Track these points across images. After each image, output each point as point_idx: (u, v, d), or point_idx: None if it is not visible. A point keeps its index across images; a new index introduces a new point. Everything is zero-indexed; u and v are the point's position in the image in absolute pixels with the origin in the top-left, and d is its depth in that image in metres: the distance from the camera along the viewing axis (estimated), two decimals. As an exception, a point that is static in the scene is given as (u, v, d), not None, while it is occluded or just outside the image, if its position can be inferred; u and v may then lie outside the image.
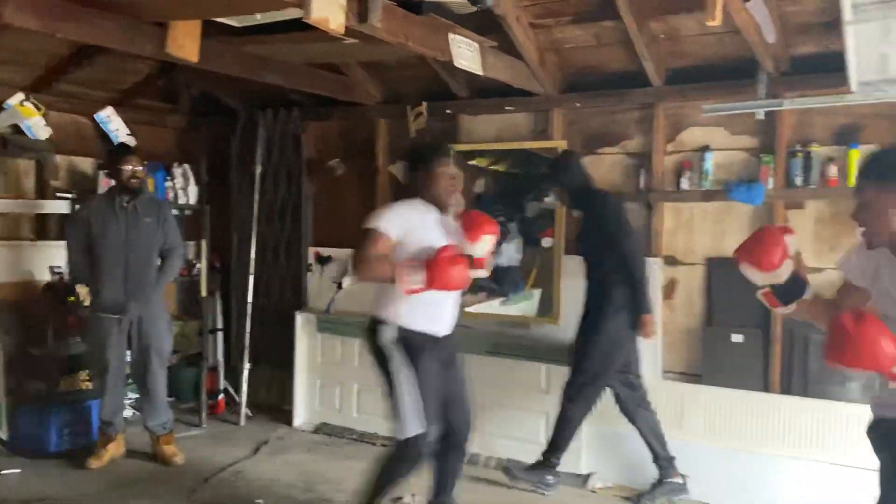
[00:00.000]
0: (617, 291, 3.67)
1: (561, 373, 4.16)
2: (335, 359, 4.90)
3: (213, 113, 5.57)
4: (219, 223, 5.43)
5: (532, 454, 4.26)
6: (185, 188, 5.36)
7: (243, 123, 5.36)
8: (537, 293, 4.50)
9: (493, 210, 4.59)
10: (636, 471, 4.02)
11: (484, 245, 3.08)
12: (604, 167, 4.32)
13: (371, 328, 2.99)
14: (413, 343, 2.92)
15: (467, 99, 4.67)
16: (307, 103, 5.19)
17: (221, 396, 5.26)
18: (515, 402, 4.36)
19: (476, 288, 4.63)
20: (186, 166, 5.38)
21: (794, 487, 3.67)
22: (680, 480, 3.78)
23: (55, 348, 4.41)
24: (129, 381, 4.47)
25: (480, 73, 3.72)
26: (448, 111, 4.70)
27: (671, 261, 4.15)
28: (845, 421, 3.59)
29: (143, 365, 4.21)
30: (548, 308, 4.41)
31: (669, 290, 4.16)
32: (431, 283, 2.74)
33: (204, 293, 5.23)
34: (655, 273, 4.08)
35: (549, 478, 3.90)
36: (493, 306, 4.62)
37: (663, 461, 3.78)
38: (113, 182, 4.21)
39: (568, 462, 4.14)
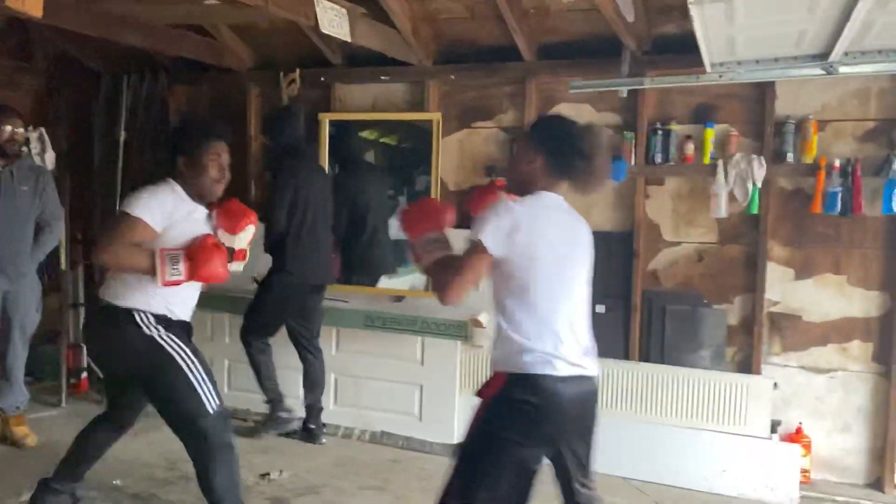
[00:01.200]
0: (281, 254, 4.02)
1: (436, 344, 4.22)
2: (205, 334, 4.74)
3: (73, 75, 5.22)
4: (80, 192, 5.13)
5: (407, 426, 4.31)
6: (41, 154, 5.00)
7: (107, 87, 5.07)
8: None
9: (383, 182, 4.59)
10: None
11: (245, 236, 2.85)
12: (479, 141, 4.34)
13: (118, 320, 2.63)
14: (172, 326, 2.67)
15: (342, 67, 4.58)
16: (175, 67, 4.95)
17: (84, 375, 5.01)
18: (391, 374, 4.37)
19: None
20: (42, 130, 5.02)
21: (649, 450, 3.86)
22: (285, 415, 4.24)
23: None
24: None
25: (348, 39, 3.65)
26: (322, 79, 4.60)
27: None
28: (697, 386, 3.81)
29: (3, 342, 3.96)
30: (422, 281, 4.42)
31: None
32: (192, 275, 2.54)
33: (64, 266, 4.94)
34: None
35: (283, 415, 4.23)
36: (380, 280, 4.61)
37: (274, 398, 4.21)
38: None
39: (442, 432, 4.21)
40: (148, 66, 4.95)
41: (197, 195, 2.69)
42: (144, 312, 2.61)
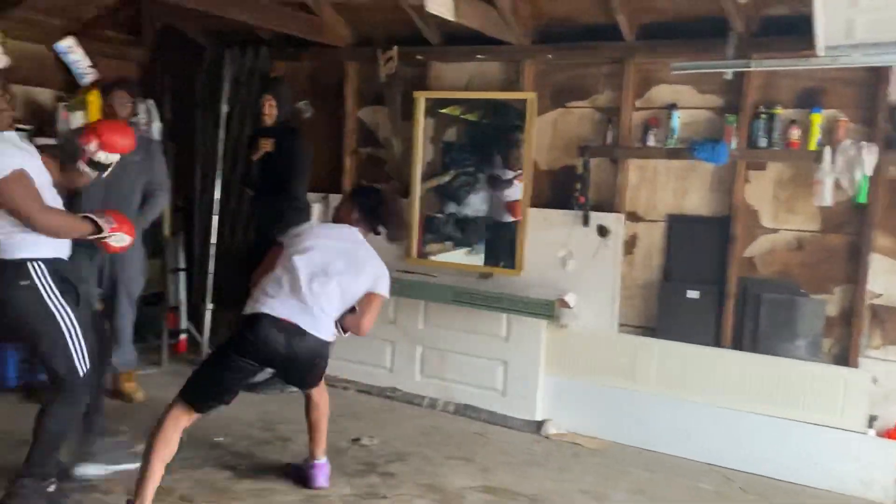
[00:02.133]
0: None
1: (522, 322, 4.26)
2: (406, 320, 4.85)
3: (178, 48, 5.43)
4: (183, 162, 5.35)
5: (490, 400, 4.38)
6: (148, 125, 5.25)
7: (210, 60, 5.24)
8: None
9: (461, 160, 4.63)
10: (587, 417, 4.16)
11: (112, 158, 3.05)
12: (573, 121, 4.33)
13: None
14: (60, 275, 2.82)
15: (439, 45, 4.62)
16: (277, 42, 5.08)
17: (183, 336, 5.26)
18: (476, 349, 4.44)
19: (443, 237, 4.67)
20: (150, 102, 5.26)
21: (737, 438, 3.82)
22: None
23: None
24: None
25: (452, 18, 3.68)
26: (419, 57, 4.65)
27: (633, 217, 4.21)
28: (791, 377, 3.74)
29: (111, 304, 4.16)
30: (510, 259, 4.45)
31: (630, 245, 4.22)
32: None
33: (167, 232, 5.19)
34: (618, 228, 4.15)
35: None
36: (457, 256, 4.66)
37: None
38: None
39: (525, 408, 4.27)
40: (250, 40, 5.09)
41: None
42: (36, 262, 2.80)
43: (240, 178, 5.04)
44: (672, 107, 4.04)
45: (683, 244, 4.08)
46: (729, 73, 3.81)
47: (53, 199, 2.84)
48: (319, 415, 3.31)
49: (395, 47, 4.63)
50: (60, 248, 2.86)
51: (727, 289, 3.95)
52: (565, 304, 4.16)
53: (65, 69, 4.90)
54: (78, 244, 3.03)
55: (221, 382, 2.90)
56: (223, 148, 5.10)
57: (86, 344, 2.81)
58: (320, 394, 3.31)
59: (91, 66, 4.98)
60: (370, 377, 4.76)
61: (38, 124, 4.68)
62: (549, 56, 4.32)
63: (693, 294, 4.02)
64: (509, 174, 4.47)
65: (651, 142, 4.10)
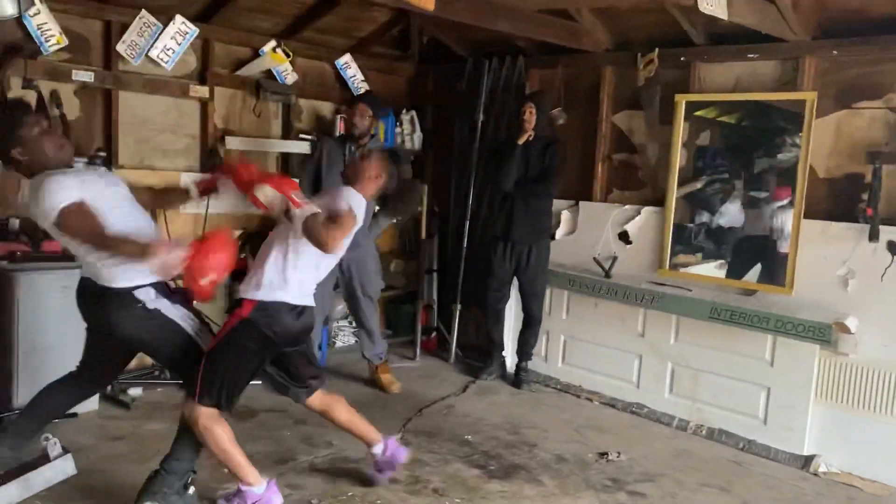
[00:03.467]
0: None
1: (790, 345, 3.88)
2: (543, 309, 4.91)
3: (441, 60, 5.70)
4: (440, 169, 5.61)
5: (749, 428, 4.06)
6: (411, 134, 5.59)
7: (469, 70, 5.43)
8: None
9: (715, 165, 4.34)
10: (866, 458, 3.69)
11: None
12: (862, 123, 3.86)
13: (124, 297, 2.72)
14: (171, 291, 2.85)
15: (704, 45, 4.37)
16: (532, 50, 5.14)
17: (434, 334, 5.52)
18: (734, 371, 4.14)
19: (694, 248, 4.41)
20: (413, 113, 5.59)
21: None
22: None
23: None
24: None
25: (725, 18, 3.45)
26: (682, 58, 4.43)
27: (935, 233, 3.65)
28: None
29: (353, 303, 4.51)
30: (779, 276, 4.08)
31: (931, 265, 3.66)
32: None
33: (423, 235, 5.47)
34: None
35: None
36: (710, 269, 4.37)
37: None
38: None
39: (791, 440, 3.89)
40: (506, 49, 5.20)
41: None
42: (141, 287, 2.74)
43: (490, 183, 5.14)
44: None
45: None
46: None
47: (132, 218, 2.76)
48: (343, 410, 3.17)
49: (657, 50, 4.46)
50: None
51: None
52: (845, 329, 3.72)
53: (342, 83, 5.37)
54: None
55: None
56: (477, 156, 5.25)
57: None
58: (322, 397, 3.16)
59: (363, 81, 5.42)
60: (615, 390, 4.62)
61: (319, 134, 5.17)
62: (834, 52, 3.89)
63: None
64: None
65: (962, 146, 3.53)
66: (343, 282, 4.44)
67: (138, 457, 3.32)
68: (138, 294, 2.70)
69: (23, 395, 3.49)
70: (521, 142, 4.55)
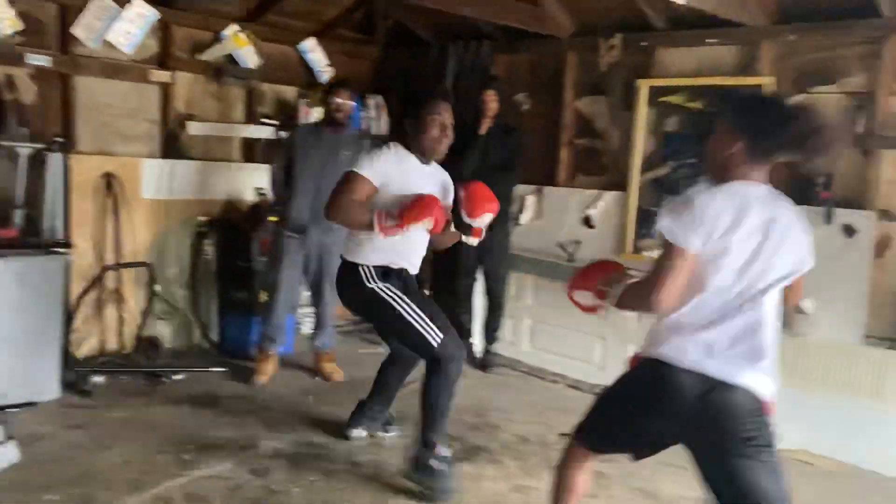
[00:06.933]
0: None
1: None
2: (510, 293, 4.95)
3: (406, 45, 5.68)
4: (406, 154, 5.59)
5: None
6: (377, 119, 5.56)
7: (434, 55, 5.41)
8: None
9: (682, 150, 4.38)
10: (823, 435, 3.79)
11: (483, 221, 3.06)
12: (818, 107, 3.92)
13: (347, 275, 3.05)
14: (390, 276, 3.00)
15: (665, 31, 4.40)
16: (497, 35, 5.14)
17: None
18: None
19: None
20: (380, 97, 5.57)
21: None
22: None
23: (257, 263, 4.77)
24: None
25: (683, 2, 3.48)
26: (643, 43, 4.46)
27: (887, 215, 3.73)
28: None
29: (316, 290, 4.45)
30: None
31: (882, 247, 3.75)
32: (403, 224, 2.78)
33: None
34: (867, 228, 3.70)
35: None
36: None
37: None
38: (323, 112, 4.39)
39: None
40: (472, 34, 5.19)
41: (421, 152, 2.98)
42: (366, 266, 3.00)
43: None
44: (941, 90, 3.53)
45: (951, 248, 3.55)
46: None
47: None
48: None
49: (619, 35, 4.49)
50: (389, 257, 3.03)
51: None
52: (801, 311, 3.80)
53: (306, 68, 5.33)
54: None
55: None
56: (444, 140, 5.24)
57: (432, 320, 2.96)
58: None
59: (328, 65, 5.38)
60: (580, 372, 4.68)
61: (283, 119, 5.13)
62: (791, 37, 3.95)
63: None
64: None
65: (914, 131, 3.61)
66: (311, 269, 4.39)
67: (95, 445, 3.30)
68: None
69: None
70: (483, 131, 4.55)
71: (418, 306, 2.98)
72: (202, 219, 4.87)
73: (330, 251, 4.32)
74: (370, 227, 2.82)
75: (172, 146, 4.73)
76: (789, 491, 2.01)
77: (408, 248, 3.05)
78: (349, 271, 3.03)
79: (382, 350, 5.09)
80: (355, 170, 2.91)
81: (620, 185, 4.60)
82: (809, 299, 3.82)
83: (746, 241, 1.94)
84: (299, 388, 4.32)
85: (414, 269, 3.13)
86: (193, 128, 4.79)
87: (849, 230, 3.76)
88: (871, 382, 3.65)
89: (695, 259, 1.93)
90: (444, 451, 3.07)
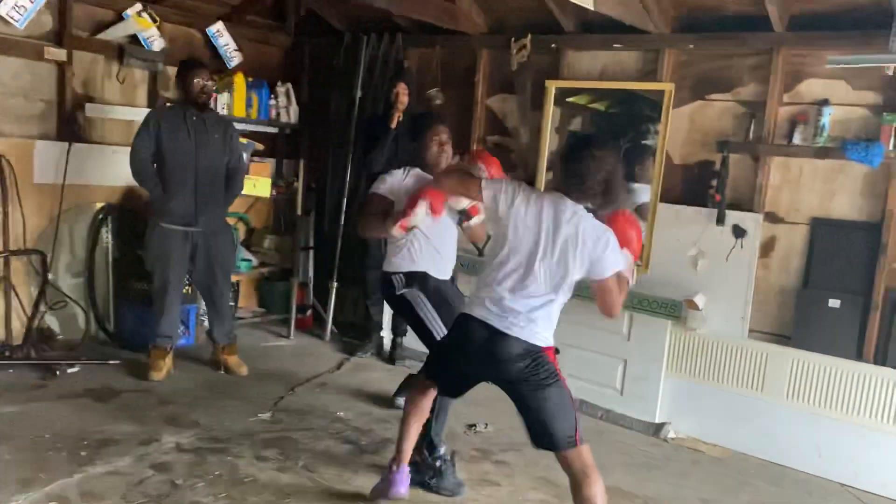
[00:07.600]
0: None
1: (645, 321, 4.14)
2: (416, 285, 4.97)
3: (318, 34, 5.61)
4: (316, 144, 5.54)
5: (608, 399, 4.29)
6: (287, 107, 5.47)
7: (346, 46, 5.37)
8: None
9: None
10: (711, 424, 4.02)
11: (461, 203, 3.22)
12: (713, 114, 4.15)
13: (384, 283, 3.32)
14: (414, 279, 3.23)
15: (574, 34, 4.54)
16: (411, 29, 5.15)
17: (310, 312, 5.48)
18: (595, 345, 4.36)
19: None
20: (289, 85, 5.48)
21: (874, 459, 3.58)
22: None
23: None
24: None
25: (591, 7, 3.60)
26: (553, 45, 4.58)
27: (772, 218, 3.99)
28: (942, 399, 3.45)
29: (209, 280, 4.28)
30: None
31: (767, 248, 4.01)
32: (407, 210, 3.03)
33: (299, 211, 5.40)
34: (755, 229, 3.95)
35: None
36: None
37: None
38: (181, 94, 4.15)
39: (644, 409, 4.17)
40: (386, 27, 5.18)
41: (427, 166, 3.30)
42: (396, 274, 3.25)
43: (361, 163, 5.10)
44: (823, 103, 3.79)
45: (827, 250, 3.83)
46: (890, 68, 3.52)
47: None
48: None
49: (529, 35, 4.59)
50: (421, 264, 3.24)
51: (873, 300, 3.68)
52: (694, 306, 4.02)
53: (214, 51, 5.18)
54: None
55: None
56: (355, 132, 5.22)
57: (441, 317, 3.16)
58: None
59: (237, 50, 5.25)
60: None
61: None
62: (691, 46, 4.16)
63: (834, 303, 3.77)
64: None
65: (797, 139, 3.86)
66: (202, 259, 4.21)
67: (-16, 442, 3.13)
68: None
69: None
70: (393, 125, 4.55)
71: (433, 305, 3.22)
72: (100, 205, 4.67)
73: (217, 237, 4.23)
74: (392, 230, 3.08)
75: (69, 129, 4.50)
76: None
77: (428, 254, 3.25)
78: (386, 281, 3.30)
79: (289, 342, 5.10)
80: (372, 191, 3.27)
81: (529, 182, 4.70)
82: (701, 295, 4.05)
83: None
84: (202, 382, 4.22)
85: (437, 272, 3.28)
86: (91, 109, 4.57)
87: (738, 231, 4.00)
88: (755, 374, 3.91)
89: None
90: (443, 450, 3.24)
